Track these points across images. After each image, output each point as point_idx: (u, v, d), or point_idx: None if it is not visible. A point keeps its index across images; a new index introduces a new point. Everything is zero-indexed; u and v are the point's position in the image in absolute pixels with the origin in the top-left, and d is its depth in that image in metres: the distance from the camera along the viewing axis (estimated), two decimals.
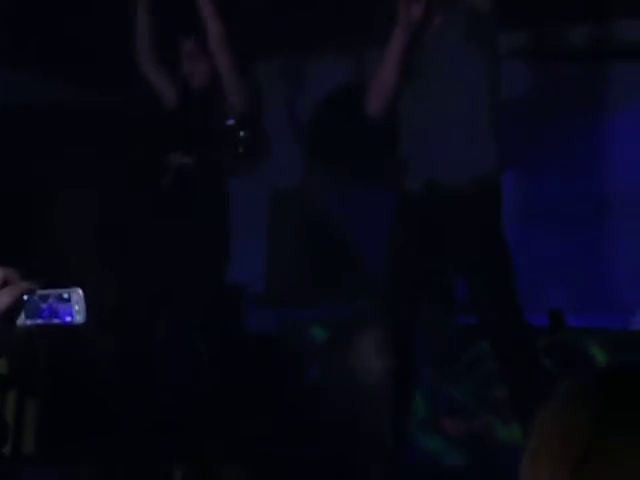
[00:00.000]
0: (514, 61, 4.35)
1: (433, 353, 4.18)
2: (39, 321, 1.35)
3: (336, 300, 4.73)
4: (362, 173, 5.14)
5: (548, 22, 4.83)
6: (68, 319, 1.36)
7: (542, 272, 4.60)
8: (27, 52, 4.70)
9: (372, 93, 3.60)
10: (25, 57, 4.76)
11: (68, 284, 1.37)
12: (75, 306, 1.35)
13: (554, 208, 4.75)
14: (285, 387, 4.20)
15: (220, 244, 4.18)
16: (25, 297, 1.35)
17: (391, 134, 3.73)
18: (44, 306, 1.35)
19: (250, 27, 4.10)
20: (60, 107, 4.99)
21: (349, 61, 5.09)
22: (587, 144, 4.81)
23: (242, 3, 4.29)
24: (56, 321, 1.36)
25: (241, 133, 4.05)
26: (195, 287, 4.08)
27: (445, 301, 4.35)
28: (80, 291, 1.36)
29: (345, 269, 5.18)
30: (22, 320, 1.35)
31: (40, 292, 1.36)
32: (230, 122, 4.05)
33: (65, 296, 1.36)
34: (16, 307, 1.33)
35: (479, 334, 3.92)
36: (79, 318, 1.35)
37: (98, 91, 5.20)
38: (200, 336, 4.08)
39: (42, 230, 4.51)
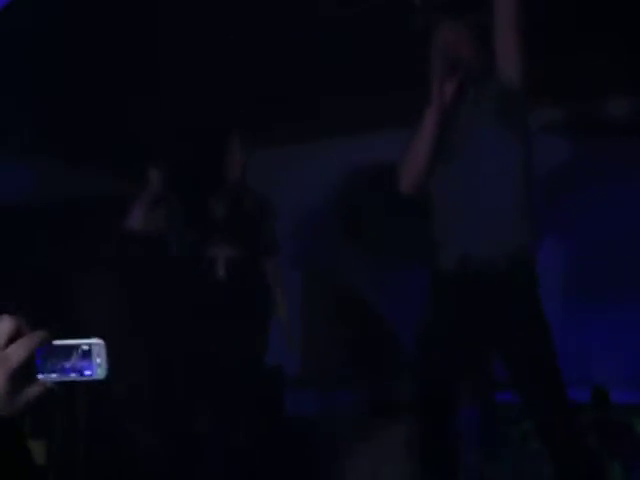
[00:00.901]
0: (547, 136, 4.35)
1: (475, 432, 4.10)
2: (54, 375, 1.23)
3: (372, 380, 4.68)
4: (395, 251, 5.12)
5: (582, 95, 4.82)
6: (88, 373, 1.24)
7: (586, 348, 4.52)
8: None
9: (404, 170, 3.61)
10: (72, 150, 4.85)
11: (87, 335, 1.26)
12: (96, 359, 1.23)
13: (599, 284, 4.69)
14: (323, 468, 4.15)
15: (259, 330, 4.20)
16: (40, 349, 1.23)
17: (424, 212, 3.73)
18: (60, 360, 1.23)
19: (278, 107, 4.14)
20: (107, 198, 5.06)
21: (380, 139, 5.11)
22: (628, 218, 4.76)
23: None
24: (74, 375, 1.23)
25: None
26: (235, 372, 4.09)
27: (483, 379, 4.28)
28: (102, 342, 1.24)
29: (380, 349, 5.14)
30: (37, 374, 1.23)
31: (56, 343, 1.24)
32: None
33: (85, 348, 1.24)
34: (31, 360, 1.22)
35: (522, 413, 3.85)
36: (100, 372, 1.23)
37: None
38: (240, 423, 4.06)
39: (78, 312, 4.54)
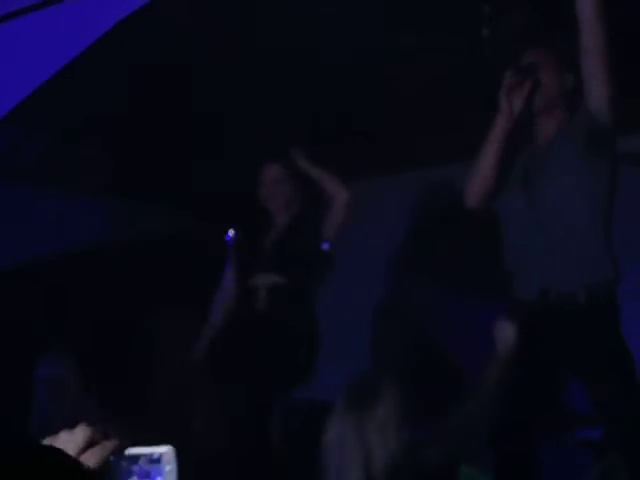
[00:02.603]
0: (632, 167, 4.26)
1: (557, 468, 4.01)
2: None
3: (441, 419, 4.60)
4: (465, 284, 5.07)
5: None
6: None
7: None
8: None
9: (470, 183, 3.57)
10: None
11: (157, 440, 1.29)
12: (166, 467, 1.25)
13: None
14: None
15: (307, 364, 4.18)
16: (112, 458, 1.25)
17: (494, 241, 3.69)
18: (133, 468, 1.25)
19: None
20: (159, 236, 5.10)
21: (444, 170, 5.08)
22: None
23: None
24: None
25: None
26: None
27: (562, 414, 4.20)
28: (171, 449, 1.26)
29: (451, 386, 5.06)
30: None
31: (128, 452, 1.26)
32: (325, 247, 4.15)
33: (155, 456, 1.26)
34: (103, 470, 1.23)
35: (604, 447, 3.77)
36: (170, 479, 1.25)
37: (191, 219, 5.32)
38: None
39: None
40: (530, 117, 3.54)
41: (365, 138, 4.93)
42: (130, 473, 1.25)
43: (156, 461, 1.25)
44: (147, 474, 1.25)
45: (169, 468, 1.25)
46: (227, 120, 4.53)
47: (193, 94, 4.33)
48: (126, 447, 1.26)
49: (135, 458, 1.26)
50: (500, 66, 3.55)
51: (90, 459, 1.23)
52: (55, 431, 1.26)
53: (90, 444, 1.24)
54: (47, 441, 1.24)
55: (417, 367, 5.25)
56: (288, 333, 4.15)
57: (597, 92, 3.31)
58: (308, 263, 4.23)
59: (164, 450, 1.26)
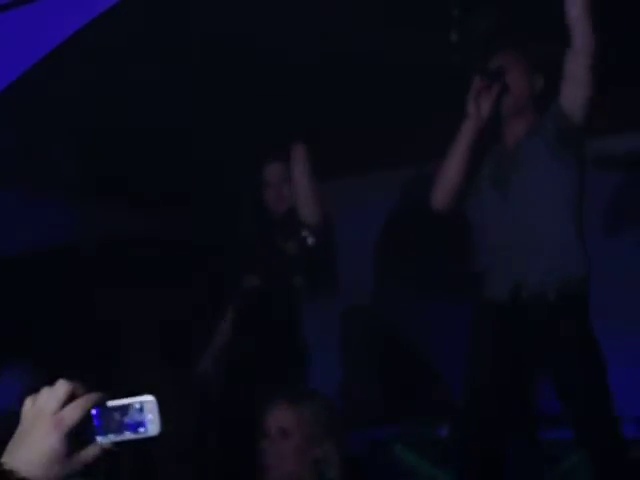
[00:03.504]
0: (599, 169, 4.29)
1: (522, 467, 4.03)
2: (110, 436, 1.27)
3: (416, 417, 4.63)
4: (435, 284, 5.09)
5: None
6: (142, 430, 1.27)
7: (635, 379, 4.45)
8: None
9: (437, 185, 3.58)
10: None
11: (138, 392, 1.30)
12: (148, 415, 1.27)
13: None
14: None
15: (294, 365, 4.14)
16: (94, 411, 1.28)
17: (468, 244, 3.70)
18: (115, 419, 1.28)
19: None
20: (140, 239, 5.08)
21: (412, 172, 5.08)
22: None
23: None
24: (129, 434, 1.27)
25: (310, 243, 4.06)
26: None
27: (530, 414, 4.23)
28: (153, 399, 1.28)
29: (423, 385, 5.08)
30: (92, 436, 1.27)
31: (110, 404, 1.28)
32: (305, 238, 4.07)
33: (137, 406, 1.28)
34: (85, 422, 1.27)
35: (568, 447, 3.80)
36: (153, 428, 1.27)
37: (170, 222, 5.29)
38: None
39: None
40: (499, 119, 3.57)
41: (338, 137, 4.91)
42: (113, 424, 1.27)
43: (139, 410, 1.27)
44: (128, 424, 1.27)
45: (151, 417, 1.27)
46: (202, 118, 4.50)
47: (174, 89, 4.28)
48: (107, 399, 1.28)
49: (117, 409, 1.28)
50: (469, 69, 3.58)
51: (71, 412, 1.26)
52: (36, 390, 1.30)
53: (71, 397, 1.27)
54: (29, 400, 1.28)
55: (390, 367, 5.28)
56: (277, 334, 4.12)
57: (575, 92, 3.34)
58: (301, 263, 4.16)
59: (146, 399, 1.28)
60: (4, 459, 1.25)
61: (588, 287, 3.45)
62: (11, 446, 1.27)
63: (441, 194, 3.58)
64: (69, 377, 1.30)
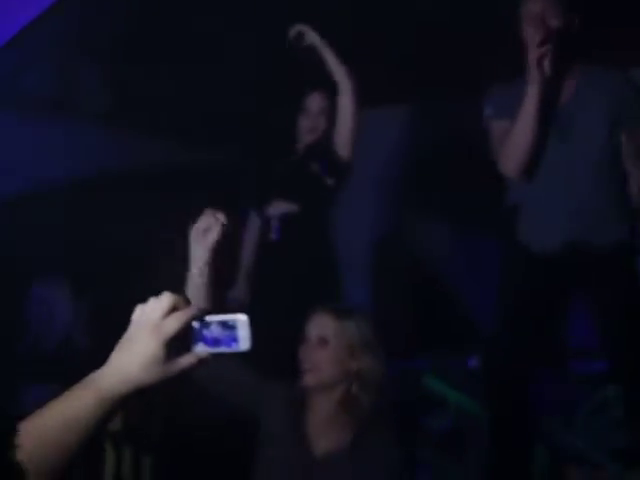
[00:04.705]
0: None
1: (552, 400, 4.06)
2: (205, 348, 1.40)
3: (446, 350, 4.65)
4: (468, 218, 5.08)
5: None
6: (234, 345, 1.40)
7: None
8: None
9: (507, 152, 3.50)
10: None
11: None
12: (240, 332, 1.39)
13: None
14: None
15: (326, 292, 4.15)
16: (193, 323, 1.39)
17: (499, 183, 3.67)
18: (210, 333, 1.40)
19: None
20: (162, 166, 5.07)
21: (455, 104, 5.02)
22: None
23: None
24: (223, 348, 1.40)
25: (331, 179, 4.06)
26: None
27: (562, 346, 4.25)
28: (245, 317, 1.40)
29: (454, 317, 5.11)
30: (189, 347, 1.39)
31: (208, 318, 1.40)
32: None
33: (230, 323, 1.40)
34: (184, 333, 1.39)
35: (600, 381, 3.83)
36: (244, 345, 1.40)
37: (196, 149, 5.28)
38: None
39: None
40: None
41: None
42: (208, 337, 1.40)
43: (232, 327, 1.40)
44: (221, 339, 1.40)
45: (243, 334, 1.39)
46: (228, 45, 4.46)
47: (194, 17, 4.24)
48: (206, 314, 1.40)
49: (214, 324, 1.40)
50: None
51: (172, 322, 1.38)
52: (141, 301, 1.42)
53: (174, 309, 1.39)
54: (139, 309, 1.41)
55: (421, 298, 5.29)
56: (306, 260, 4.11)
57: None
58: (322, 188, 4.14)
59: (240, 317, 1.40)
60: (111, 359, 1.39)
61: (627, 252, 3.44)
62: (118, 348, 1.40)
63: (513, 163, 3.51)
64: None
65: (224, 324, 1.40)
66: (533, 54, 3.36)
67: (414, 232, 5.37)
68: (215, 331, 1.40)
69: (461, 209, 5.09)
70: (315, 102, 4.18)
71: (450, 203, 5.15)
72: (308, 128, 4.19)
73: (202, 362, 1.40)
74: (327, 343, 2.76)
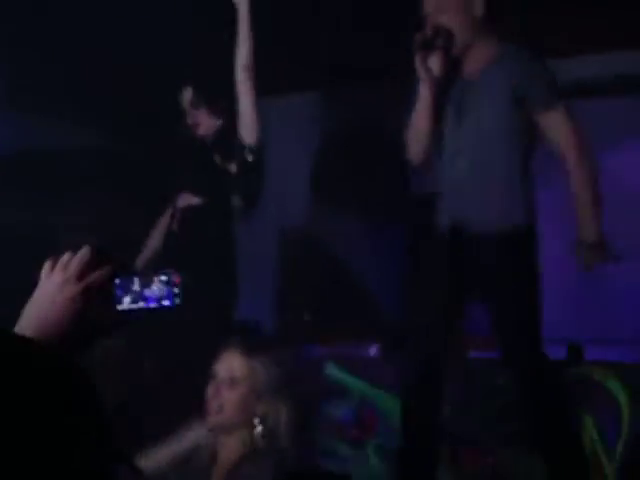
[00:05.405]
0: None
1: (450, 386, 4.12)
2: (133, 305, 1.31)
3: (348, 338, 4.68)
4: (371, 209, 5.11)
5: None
6: (166, 303, 1.32)
7: (562, 304, 4.53)
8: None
9: (409, 141, 3.59)
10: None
11: None
12: (174, 289, 1.32)
13: None
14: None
15: (227, 285, 4.15)
16: (118, 280, 1.31)
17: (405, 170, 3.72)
18: (140, 289, 1.31)
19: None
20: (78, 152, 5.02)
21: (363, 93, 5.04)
22: None
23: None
24: (153, 305, 1.32)
25: (250, 159, 4.04)
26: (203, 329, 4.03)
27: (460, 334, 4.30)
28: (177, 273, 1.33)
29: (356, 306, 5.14)
30: (117, 304, 1.31)
31: (135, 274, 1.33)
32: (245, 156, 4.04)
33: (163, 279, 1.32)
34: (109, 288, 1.30)
35: (496, 367, 3.89)
36: (177, 301, 1.32)
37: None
38: None
39: None
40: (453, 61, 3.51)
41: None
42: (138, 294, 1.31)
43: (164, 283, 1.32)
44: (155, 296, 1.31)
45: (177, 290, 1.32)
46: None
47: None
48: (131, 269, 1.27)
49: (142, 280, 1.32)
50: None
51: (96, 277, 1.29)
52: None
53: (95, 265, 1.30)
54: (48, 263, 1.30)
55: (319, 290, 5.31)
56: (208, 254, 4.11)
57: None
58: (232, 179, 4.13)
59: (171, 272, 1.33)
60: (22, 317, 1.27)
61: (530, 234, 3.49)
62: (30, 305, 1.29)
63: (416, 152, 3.58)
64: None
65: (154, 280, 1.32)
66: (417, 57, 3.40)
67: (318, 220, 5.38)
68: (143, 288, 1.31)
69: (367, 195, 5.12)
70: (185, 99, 4.20)
71: (357, 190, 5.18)
72: (192, 124, 4.20)
73: (126, 322, 1.32)
74: (237, 384, 2.72)
